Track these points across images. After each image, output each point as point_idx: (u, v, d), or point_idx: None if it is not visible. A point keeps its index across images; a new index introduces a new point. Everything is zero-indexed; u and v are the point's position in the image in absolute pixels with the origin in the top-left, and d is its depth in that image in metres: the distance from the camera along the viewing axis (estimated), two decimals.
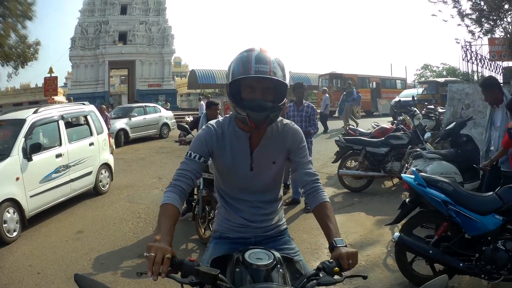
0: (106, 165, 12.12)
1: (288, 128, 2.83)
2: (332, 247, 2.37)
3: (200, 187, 7.81)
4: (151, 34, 51.35)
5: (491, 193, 5.22)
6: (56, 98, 36.71)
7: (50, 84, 29.78)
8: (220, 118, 2.91)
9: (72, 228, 8.77)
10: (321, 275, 2.17)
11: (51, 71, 29.87)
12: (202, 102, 27.80)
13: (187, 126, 8.74)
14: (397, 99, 26.48)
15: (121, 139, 21.65)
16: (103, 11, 50.39)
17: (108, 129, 17.49)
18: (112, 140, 17.47)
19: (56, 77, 30.37)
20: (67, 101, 38.27)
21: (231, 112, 2.80)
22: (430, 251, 5.15)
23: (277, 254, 2.32)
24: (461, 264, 5.01)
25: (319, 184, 2.81)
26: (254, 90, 2.53)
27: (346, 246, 2.36)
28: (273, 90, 2.57)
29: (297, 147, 2.82)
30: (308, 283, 2.15)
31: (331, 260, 2.27)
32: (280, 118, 2.80)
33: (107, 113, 19.57)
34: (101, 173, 11.81)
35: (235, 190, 2.85)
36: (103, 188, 11.78)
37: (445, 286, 1.98)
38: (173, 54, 54.22)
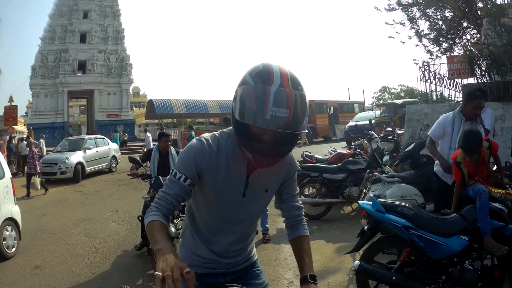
0: (10, 220, 9.47)
1: (287, 155, 2.48)
2: (305, 281, 2.33)
3: None
4: (110, 63, 51.09)
5: (454, 214, 5.13)
6: (16, 127, 36.25)
7: (10, 113, 29.75)
8: (215, 132, 2.46)
9: (30, 263, 8.50)
10: None
11: (11, 99, 29.63)
12: (148, 133, 27.03)
13: (138, 158, 8.50)
14: (352, 123, 26.65)
15: (79, 173, 20.96)
16: (63, 39, 49.98)
17: (34, 169, 17.13)
18: (38, 179, 17.13)
19: (16, 106, 30.31)
20: (27, 131, 37.89)
21: (224, 129, 2.47)
22: (393, 278, 4.97)
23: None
24: None
25: (303, 217, 2.71)
26: (265, 140, 2.09)
27: (316, 284, 2.34)
28: (289, 138, 2.14)
29: (291, 177, 2.63)
30: None
31: None
32: None
33: (34, 148, 18.07)
34: (5, 231, 9.13)
35: (216, 219, 2.49)
36: (7, 251, 8.98)
37: None
38: (132, 83, 54.14)
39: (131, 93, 56.80)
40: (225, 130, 2.46)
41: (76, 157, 21.29)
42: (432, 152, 6.61)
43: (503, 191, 5.17)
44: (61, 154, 21.65)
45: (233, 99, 2.16)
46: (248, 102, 2.02)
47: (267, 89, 1.99)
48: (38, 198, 16.64)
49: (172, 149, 8.63)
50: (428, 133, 6.60)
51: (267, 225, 8.97)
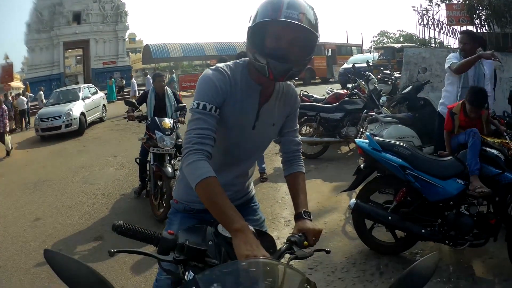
0: None
1: (292, 90, 2.56)
2: (299, 217, 2.30)
3: (150, 162, 7.66)
4: (105, 12, 49.81)
5: (450, 157, 5.10)
6: (12, 84, 36.05)
7: (6, 71, 29.45)
8: (229, 63, 2.37)
9: (29, 216, 8.47)
10: (295, 249, 2.08)
11: (6, 57, 29.43)
12: (148, 76, 27.05)
13: (134, 101, 8.43)
14: (348, 65, 26.29)
15: (84, 124, 19.79)
16: None
17: (4, 127, 15.74)
18: (9, 138, 16.11)
19: (11, 64, 30.12)
20: (23, 86, 37.52)
21: (236, 60, 2.39)
22: (389, 218, 4.99)
23: (251, 228, 1.98)
24: (423, 230, 4.87)
25: (300, 154, 2.70)
26: (280, 39, 2.12)
27: (311, 220, 2.31)
28: (302, 41, 2.16)
29: (294, 112, 2.63)
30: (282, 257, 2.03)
31: (300, 234, 2.18)
32: None
33: (4, 106, 16.67)
34: None
35: (222, 151, 2.38)
36: None
37: (437, 265, 1.78)
38: (127, 30, 53.02)
39: (127, 39, 55.65)
40: (238, 61, 2.38)
41: (78, 107, 20.06)
42: (465, 63, 6.04)
43: (499, 140, 5.13)
44: (61, 106, 20.13)
45: (248, 19, 2.18)
46: (264, 8, 2.09)
47: None
48: (36, 151, 16.58)
49: (168, 89, 8.50)
50: (447, 64, 6.35)
51: (263, 165, 8.99)
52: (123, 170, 11.24)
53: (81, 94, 21.79)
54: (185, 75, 37.89)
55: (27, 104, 24.61)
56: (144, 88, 28.86)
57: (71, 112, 19.09)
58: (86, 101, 21.53)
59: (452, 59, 6.30)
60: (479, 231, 4.78)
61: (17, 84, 44.41)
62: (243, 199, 2.67)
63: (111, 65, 49.29)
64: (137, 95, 22.16)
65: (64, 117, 18.79)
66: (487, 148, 4.92)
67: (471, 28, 13.23)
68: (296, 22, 2.02)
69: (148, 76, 26.81)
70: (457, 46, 14.28)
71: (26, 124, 24.31)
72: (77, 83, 44.37)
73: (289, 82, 2.53)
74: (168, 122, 7.74)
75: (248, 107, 2.34)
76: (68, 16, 48.46)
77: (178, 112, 8.15)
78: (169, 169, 7.05)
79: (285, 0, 2.05)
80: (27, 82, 36.97)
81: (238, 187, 2.59)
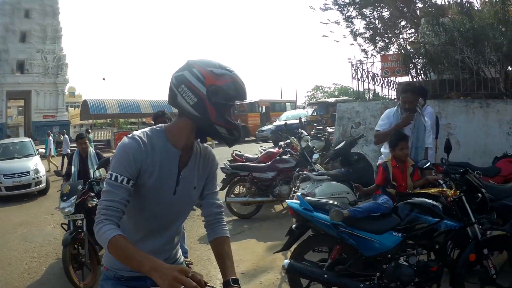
0: None
1: (209, 151, 2.61)
2: (227, 285, 2.36)
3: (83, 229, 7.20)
4: (47, 63, 49.66)
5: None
6: None
7: None
8: (146, 130, 2.41)
9: None
10: None
11: None
12: (65, 135, 26.17)
13: (61, 172, 8.31)
14: (280, 122, 26.56)
15: (49, 182, 17.59)
16: (4, 39, 48.20)
17: None
18: None
19: None
20: None
21: (153, 127, 2.43)
22: (325, 276, 4.88)
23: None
24: (361, 285, 4.79)
25: (223, 217, 2.69)
26: (231, 113, 2.41)
27: (240, 287, 2.38)
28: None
29: (213, 174, 2.65)
30: None
31: None
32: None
33: None
34: None
35: (145, 219, 2.41)
36: None
37: None
38: (67, 83, 52.96)
39: (66, 93, 55.60)
40: (155, 127, 2.42)
41: (40, 164, 17.94)
42: (382, 135, 6.33)
43: (436, 189, 5.16)
44: (22, 161, 17.85)
45: (213, 91, 2.28)
46: (233, 85, 2.31)
47: (237, 76, 2.36)
48: None
49: (91, 149, 8.41)
50: (376, 128, 6.49)
51: (186, 247, 7.32)
52: (60, 228, 10.79)
53: (35, 149, 19.68)
54: (120, 133, 37.52)
55: None
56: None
57: (38, 169, 17.14)
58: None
59: (381, 122, 6.47)
60: (421, 279, 4.77)
61: None
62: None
63: (51, 118, 48.87)
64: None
65: (34, 174, 16.70)
66: (424, 199, 4.95)
67: (406, 78, 13.61)
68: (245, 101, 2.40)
69: (66, 136, 26.15)
70: (393, 96, 14.64)
71: None
72: (18, 135, 43.46)
73: (206, 144, 2.59)
74: (68, 186, 7.47)
75: (168, 172, 2.35)
76: (12, 64, 48.26)
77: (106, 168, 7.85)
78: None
79: (240, 79, 2.36)
80: None
81: (166, 254, 2.55)
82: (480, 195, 5.02)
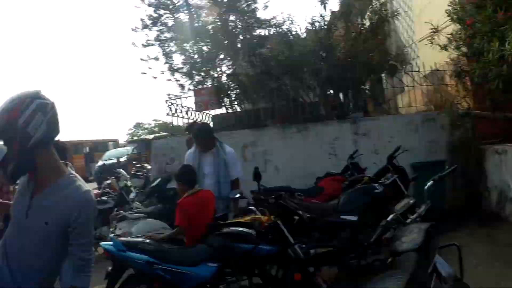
0: None
1: (75, 194, 2.52)
2: None
3: None
4: None
5: (201, 244, 5.20)
6: None
7: None
8: None
9: None
10: None
11: None
12: None
13: None
14: (101, 162, 26.07)
15: None
16: None
17: None
18: None
19: None
20: None
21: None
22: None
23: None
24: None
25: (84, 264, 2.55)
26: None
27: None
28: None
29: (81, 223, 2.53)
30: None
31: None
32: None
33: None
34: None
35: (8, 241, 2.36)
36: None
37: None
38: None
39: None
40: None
41: None
42: None
43: (250, 217, 5.38)
44: None
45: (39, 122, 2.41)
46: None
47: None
48: None
49: None
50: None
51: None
52: None
53: None
54: None
55: None
56: None
57: None
58: None
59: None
60: None
61: None
62: None
63: None
64: None
65: None
66: (236, 228, 5.14)
67: (220, 110, 13.77)
68: None
69: None
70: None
71: None
72: None
73: (78, 184, 2.66)
74: None
75: (23, 195, 2.44)
76: None
77: None
78: None
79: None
80: None
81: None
82: (297, 217, 5.33)
